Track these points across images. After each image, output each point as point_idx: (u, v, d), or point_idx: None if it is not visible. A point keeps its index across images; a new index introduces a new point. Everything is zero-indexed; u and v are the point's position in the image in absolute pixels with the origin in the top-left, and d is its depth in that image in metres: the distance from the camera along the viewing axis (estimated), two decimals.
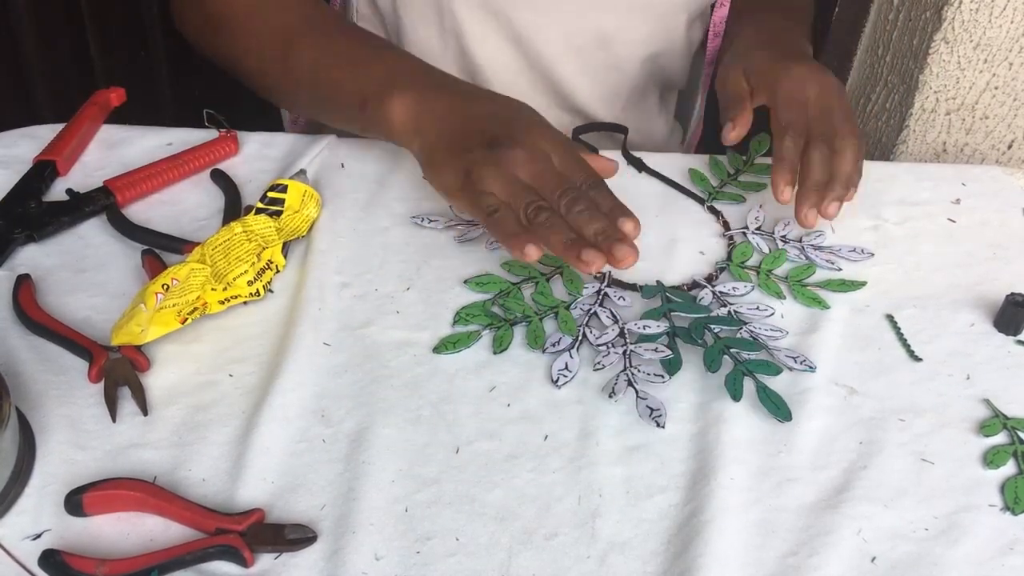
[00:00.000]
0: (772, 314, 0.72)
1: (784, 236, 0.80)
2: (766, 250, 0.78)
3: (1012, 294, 0.72)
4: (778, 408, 0.64)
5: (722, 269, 0.76)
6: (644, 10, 0.92)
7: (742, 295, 0.74)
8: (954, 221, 0.83)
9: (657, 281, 0.74)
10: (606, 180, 0.69)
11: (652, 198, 0.83)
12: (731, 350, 0.67)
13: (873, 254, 0.79)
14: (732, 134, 0.81)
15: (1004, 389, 0.68)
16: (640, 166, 0.85)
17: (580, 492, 0.59)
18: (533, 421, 0.63)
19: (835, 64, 1.15)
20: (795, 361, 0.68)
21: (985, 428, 0.65)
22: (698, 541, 0.56)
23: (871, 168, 0.83)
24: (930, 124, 1.01)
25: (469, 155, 0.67)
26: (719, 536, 0.56)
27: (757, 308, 0.73)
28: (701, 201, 0.83)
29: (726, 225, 0.81)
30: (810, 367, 0.67)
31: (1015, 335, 0.72)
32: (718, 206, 0.83)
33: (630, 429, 0.63)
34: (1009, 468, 0.63)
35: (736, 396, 0.64)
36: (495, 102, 0.73)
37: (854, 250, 0.79)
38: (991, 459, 0.63)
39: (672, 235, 0.80)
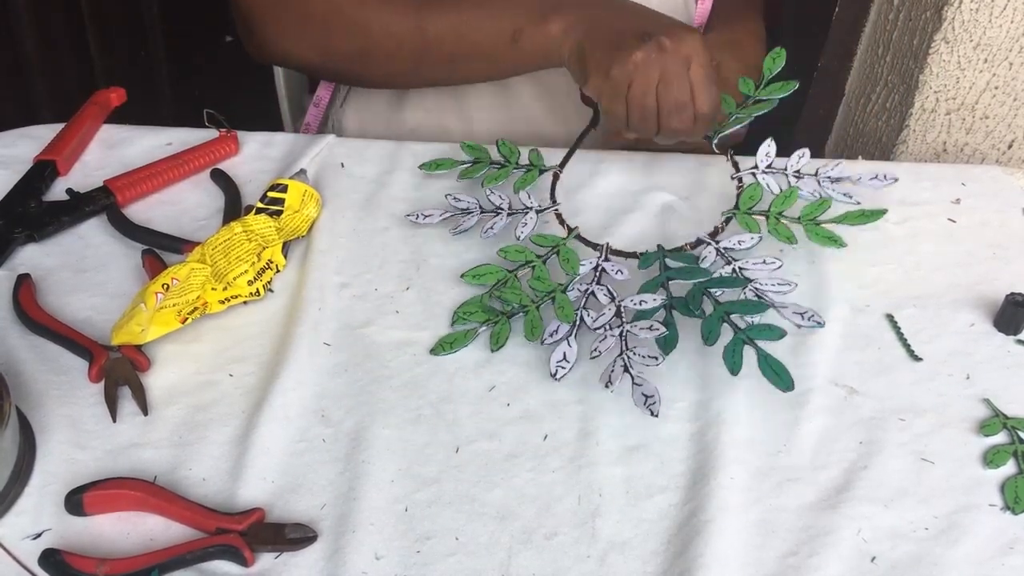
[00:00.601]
0: (780, 266, 0.71)
1: (798, 171, 0.77)
2: (777, 190, 0.77)
3: (1012, 294, 0.72)
4: (780, 377, 0.62)
5: (729, 219, 0.75)
6: None
7: (748, 248, 0.73)
8: (954, 221, 0.83)
9: (658, 246, 0.73)
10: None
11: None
12: (731, 316, 0.65)
13: (897, 179, 0.78)
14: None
15: (1004, 389, 0.68)
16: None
17: (580, 492, 0.59)
18: (533, 421, 0.63)
19: (835, 64, 1.15)
20: (803, 317, 0.65)
21: (985, 428, 0.65)
22: (698, 541, 0.56)
23: (871, 168, 0.83)
24: (930, 124, 1.01)
25: (623, 50, 0.74)
26: (719, 536, 0.56)
27: (763, 262, 0.71)
28: (709, 140, 0.81)
29: (735, 165, 0.79)
30: (819, 323, 0.65)
31: (1015, 335, 0.72)
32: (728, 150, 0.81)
33: (630, 429, 0.63)
34: (1009, 468, 0.63)
35: (734, 369, 0.62)
36: (647, 11, 0.81)
37: (875, 177, 0.77)
38: (991, 459, 0.63)
39: (680, 187, 0.81)
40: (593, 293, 0.71)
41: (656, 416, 0.62)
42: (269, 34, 0.85)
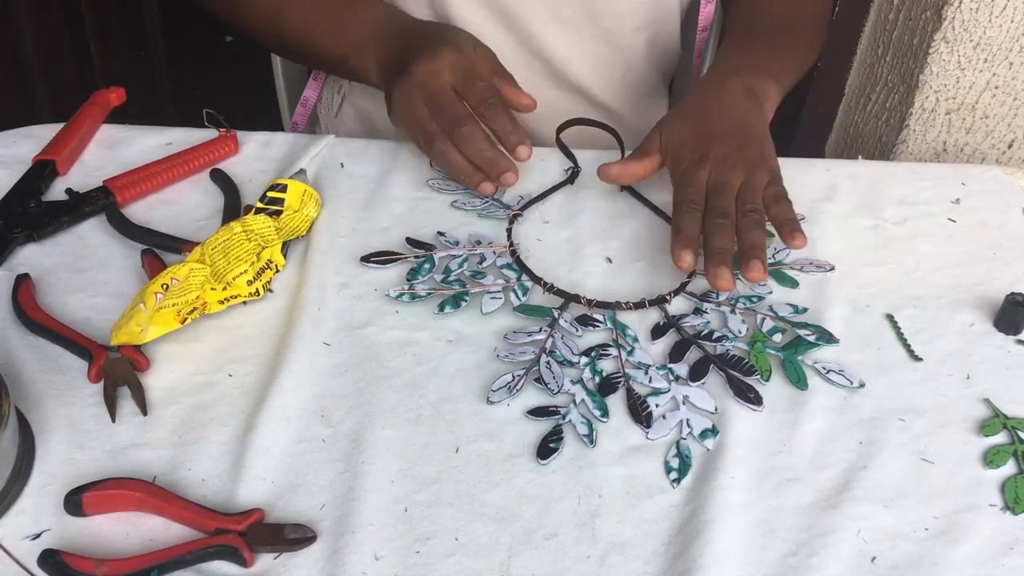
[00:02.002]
0: (771, 292, 0.74)
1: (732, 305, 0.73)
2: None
3: (1012, 294, 0.72)
4: (799, 379, 0.66)
5: (676, 293, 0.74)
6: None
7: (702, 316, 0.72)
8: (954, 221, 0.83)
9: (667, 317, 0.71)
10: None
11: (633, 215, 0.82)
12: (800, 359, 0.68)
13: (833, 267, 0.76)
14: (607, 169, 0.79)
15: (1004, 389, 0.68)
16: (622, 184, 0.84)
17: (580, 492, 0.59)
18: (533, 421, 0.63)
19: (835, 64, 1.15)
20: (839, 375, 0.68)
21: (985, 428, 0.65)
22: (698, 541, 0.56)
23: (871, 168, 0.84)
24: (930, 124, 1.01)
25: (395, 93, 0.79)
26: (719, 536, 0.56)
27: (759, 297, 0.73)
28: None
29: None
30: (850, 381, 0.67)
31: (1015, 335, 0.72)
32: None
33: (630, 429, 0.63)
34: (1009, 468, 0.63)
35: (802, 384, 0.67)
36: (436, 31, 0.82)
37: (811, 264, 0.76)
38: (991, 459, 0.63)
39: (637, 257, 0.78)
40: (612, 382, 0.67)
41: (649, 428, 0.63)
42: None
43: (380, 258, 0.74)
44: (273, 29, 0.90)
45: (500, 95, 0.78)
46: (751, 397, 0.65)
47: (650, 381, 0.66)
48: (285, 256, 0.73)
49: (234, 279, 0.68)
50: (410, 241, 0.76)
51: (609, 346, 0.68)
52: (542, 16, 0.91)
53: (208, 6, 0.94)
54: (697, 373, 0.67)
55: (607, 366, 0.67)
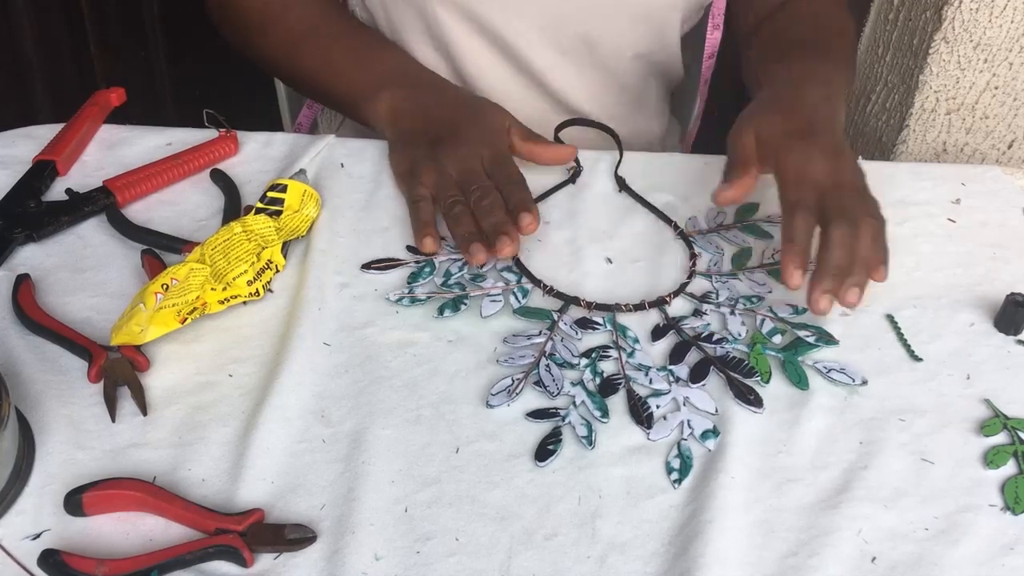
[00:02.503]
0: (771, 291, 0.74)
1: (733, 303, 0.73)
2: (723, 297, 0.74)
3: (1012, 294, 0.72)
4: (800, 380, 0.66)
5: (676, 294, 0.73)
6: (630, 13, 0.91)
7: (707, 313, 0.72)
8: (954, 221, 0.83)
9: (666, 318, 0.71)
10: (578, 168, 0.79)
11: (633, 216, 0.82)
12: (801, 360, 0.68)
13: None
14: (723, 195, 0.73)
15: (1004, 389, 0.68)
16: (621, 185, 0.84)
17: (580, 492, 0.59)
18: (534, 422, 0.63)
19: None
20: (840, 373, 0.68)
21: (985, 428, 0.65)
22: (698, 541, 0.56)
23: (871, 168, 0.83)
24: (930, 124, 1.01)
25: (416, 151, 0.78)
26: (719, 536, 0.56)
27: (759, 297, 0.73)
28: (672, 226, 0.79)
29: (693, 260, 0.76)
30: (852, 379, 0.67)
31: (1015, 335, 0.72)
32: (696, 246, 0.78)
33: (630, 430, 0.63)
34: (1009, 468, 0.63)
35: (803, 384, 0.67)
36: (458, 102, 0.82)
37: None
38: (991, 459, 0.63)
39: (680, 187, 0.82)
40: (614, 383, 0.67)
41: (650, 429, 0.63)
42: (209, 10, 0.94)
43: (380, 265, 0.74)
44: (287, 64, 0.90)
45: (520, 174, 0.77)
46: (751, 399, 0.65)
47: (650, 383, 0.66)
48: (285, 256, 0.73)
49: (234, 279, 0.68)
50: (410, 248, 0.76)
51: (609, 348, 0.68)
52: (540, 46, 0.91)
53: (222, 29, 0.94)
54: (697, 375, 0.67)
55: (607, 367, 0.67)
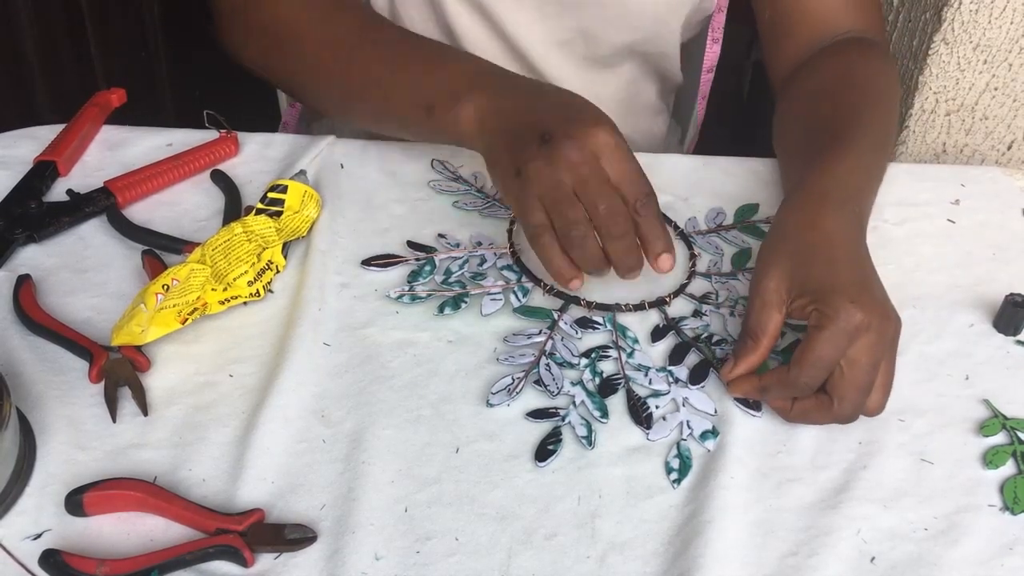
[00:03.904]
0: None
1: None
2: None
3: (1012, 294, 0.72)
4: None
5: (676, 294, 0.74)
6: (630, 14, 0.91)
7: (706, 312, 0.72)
8: (953, 222, 0.83)
9: (666, 319, 0.71)
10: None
11: None
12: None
13: None
14: (728, 374, 0.65)
15: (1004, 389, 0.68)
16: None
17: (580, 492, 0.59)
18: (534, 421, 0.63)
19: None
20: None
21: (985, 428, 0.65)
22: (698, 541, 0.56)
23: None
24: (930, 125, 1.02)
25: (522, 153, 0.66)
26: (719, 536, 0.56)
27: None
28: (672, 226, 0.79)
29: (693, 261, 0.76)
30: None
31: (1015, 335, 0.73)
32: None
33: (630, 430, 0.63)
34: (1009, 468, 0.63)
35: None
36: (558, 97, 0.71)
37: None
38: (991, 459, 0.63)
39: (680, 187, 0.80)
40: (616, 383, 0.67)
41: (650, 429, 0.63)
42: (223, 31, 0.86)
43: (380, 262, 0.74)
44: (339, 82, 0.80)
45: (655, 196, 0.67)
46: (750, 403, 0.65)
47: (650, 383, 0.66)
48: (285, 257, 0.73)
49: (235, 280, 0.68)
50: (411, 244, 0.76)
51: (609, 348, 0.69)
52: (541, 37, 0.91)
53: (242, 53, 0.85)
54: (697, 376, 0.67)
55: (607, 367, 0.67)
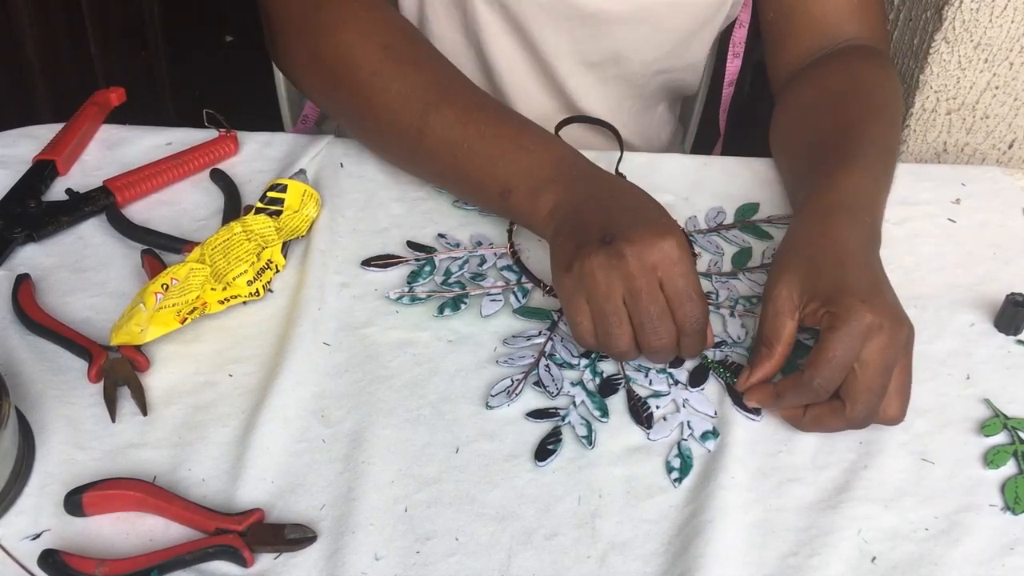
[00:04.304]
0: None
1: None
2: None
3: (1012, 294, 0.72)
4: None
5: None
6: (661, 32, 0.90)
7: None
8: (954, 221, 0.83)
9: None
10: None
11: None
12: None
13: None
14: (744, 383, 0.65)
15: (1004, 389, 0.68)
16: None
17: (580, 492, 0.59)
18: (534, 421, 0.63)
19: None
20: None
21: (985, 428, 0.65)
22: (698, 541, 0.56)
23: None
24: (930, 124, 1.01)
25: (580, 249, 0.64)
26: (719, 536, 0.56)
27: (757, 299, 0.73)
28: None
29: (694, 261, 0.73)
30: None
31: (1015, 335, 0.72)
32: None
33: (630, 429, 0.63)
34: (1009, 468, 0.63)
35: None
36: (633, 199, 0.68)
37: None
38: (991, 459, 0.63)
39: (681, 187, 0.80)
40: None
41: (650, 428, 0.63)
42: (281, 54, 0.81)
43: (380, 262, 0.74)
44: (415, 140, 0.75)
45: (706, 318, 0.65)
46: (750, 407, 0.65)
47: (650, 384, 0.66)
48: (285, 256, 0.73)
49: (234, 279, 0.68)
50: (411, 244, 0.76)
51: None
52: (572, 58, 0.90)
53: (315, 98, 0.83)
54: (697, 379, 0.67)
55: (607, 368, 0.67)
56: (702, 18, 0.89)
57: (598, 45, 0.89)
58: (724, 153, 0.95)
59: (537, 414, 0.63)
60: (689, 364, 0.68)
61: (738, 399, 0.65)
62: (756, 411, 0.65)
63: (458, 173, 0.75)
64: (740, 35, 0.96)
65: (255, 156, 0.83)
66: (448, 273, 0.73)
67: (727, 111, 1.03)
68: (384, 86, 0.75)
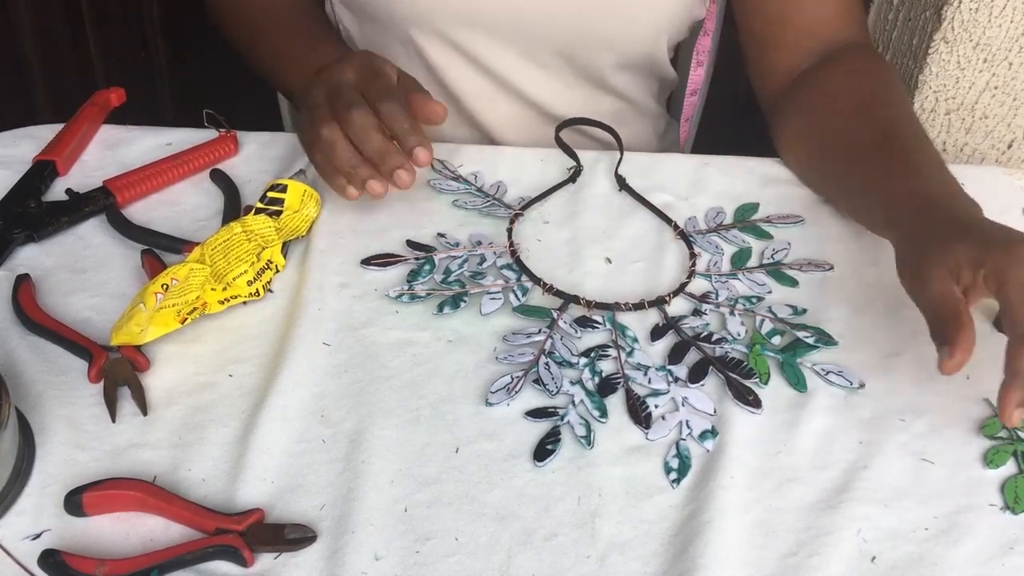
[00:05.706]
0: (771, 292, 0.74)
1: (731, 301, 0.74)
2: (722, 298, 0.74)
3: None
4: (798, 382, 0.66)
5: (675, 294, 0.73)
6: (613, 34, 0.89)
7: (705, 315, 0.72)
8: None
9: (666, 319, 0.71)
10: None
11: (633, 215, 0.82)
12: (799, 361, 0.68)
13: (832, 267, 0.76)
14: (949, 364, 0.60)
15: None
16: (621, 184, 0.84)
17: (580, 492, 0.59)
18: (533, 421, 0.63)
19: None
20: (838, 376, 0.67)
21: (985, 428, 0.65)
22: (698, 541, 0.56)
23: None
24: (930, 124, 1.01)
25: (310, 97, 0.74)
26: (719, 536, 0.56)
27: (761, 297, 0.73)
28: (672, 226, 0.79)
29: (693, 260, 0.76)
30: (850, 382, 0.67)
31: None
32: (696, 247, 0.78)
33: (629, 429, 0.63)
34: (1009, 468, 0.63)
35: (801, 387, 0.66)
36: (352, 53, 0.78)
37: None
38: (991, 459, 0.63)
39: (680, 187, 0.81)
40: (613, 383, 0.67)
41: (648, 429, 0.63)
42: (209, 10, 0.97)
43: (380, 261, 0.74)
44: (252, 57, 0.94)
45: (402, 95, 0.72)
46: (750, 400, 0.65)
47: (649, 382, 0.66)
48: (285, 256, 0.73)
49: (234, 279, 0.68)
50: (410, 243, 0.76)
51: (608, 347, 0.69)
52: (519, 63, 0.90)
53: (220, 30, 0.97)
54: (696, 375, 0.67)
55: (606, 367, 0.67)
56: (668, 13, 0.89)
57: (543, 49, 0.89)
58: (708, 147, 0.95)
59: (536, 413, 0.63)
60: (689, 359, 0.68)
61: (739, 394, 0.65)
62: (756, 404, 0.65)
63: (274, 81, 0.95)
64: (704, 43, 0.96)
65: (255, 156, 0.83)
66: (448, 272, 0.73)
67: (690, 120, 1.02)
68: (236, 15, 0.95)
